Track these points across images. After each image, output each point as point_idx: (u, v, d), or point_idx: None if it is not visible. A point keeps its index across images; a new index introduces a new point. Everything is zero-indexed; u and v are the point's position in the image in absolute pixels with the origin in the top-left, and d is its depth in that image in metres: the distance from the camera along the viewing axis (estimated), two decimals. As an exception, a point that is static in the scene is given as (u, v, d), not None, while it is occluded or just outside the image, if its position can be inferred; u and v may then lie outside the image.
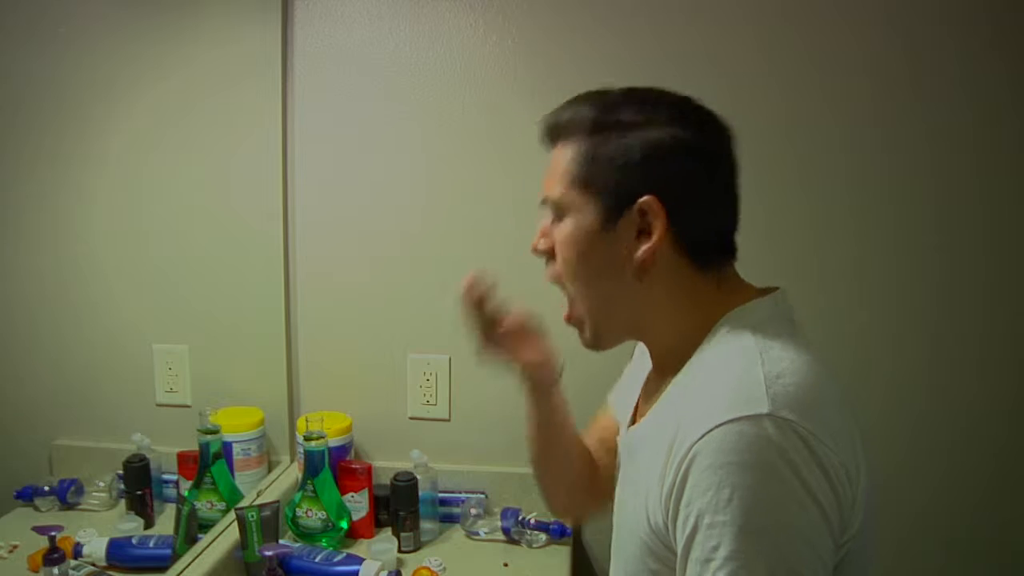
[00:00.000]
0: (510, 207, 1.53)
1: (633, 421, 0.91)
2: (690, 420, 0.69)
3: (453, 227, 1.55)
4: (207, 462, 1.32)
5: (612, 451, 0.98)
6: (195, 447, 1.31)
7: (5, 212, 1.00)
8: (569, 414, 1.04)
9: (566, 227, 0.82)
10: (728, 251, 0.83)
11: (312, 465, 1.43)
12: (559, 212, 0.82)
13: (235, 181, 1.50)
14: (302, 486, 1.44)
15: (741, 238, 1.60)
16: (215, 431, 1.32)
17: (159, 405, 1.37)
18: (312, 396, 1.63)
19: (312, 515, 1.43)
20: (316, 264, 1.59)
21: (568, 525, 1.17)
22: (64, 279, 1.12)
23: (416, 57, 1.52)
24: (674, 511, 0.69)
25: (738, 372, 0.70)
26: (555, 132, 0.84)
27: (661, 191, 0.76)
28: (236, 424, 1.45)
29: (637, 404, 0.92)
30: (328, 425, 1.47)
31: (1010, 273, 1.47)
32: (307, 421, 1.45)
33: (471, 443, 1.60)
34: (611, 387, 1.07)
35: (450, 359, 1.59)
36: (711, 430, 0.66)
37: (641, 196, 0.75)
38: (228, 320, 1.50)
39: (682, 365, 0.79)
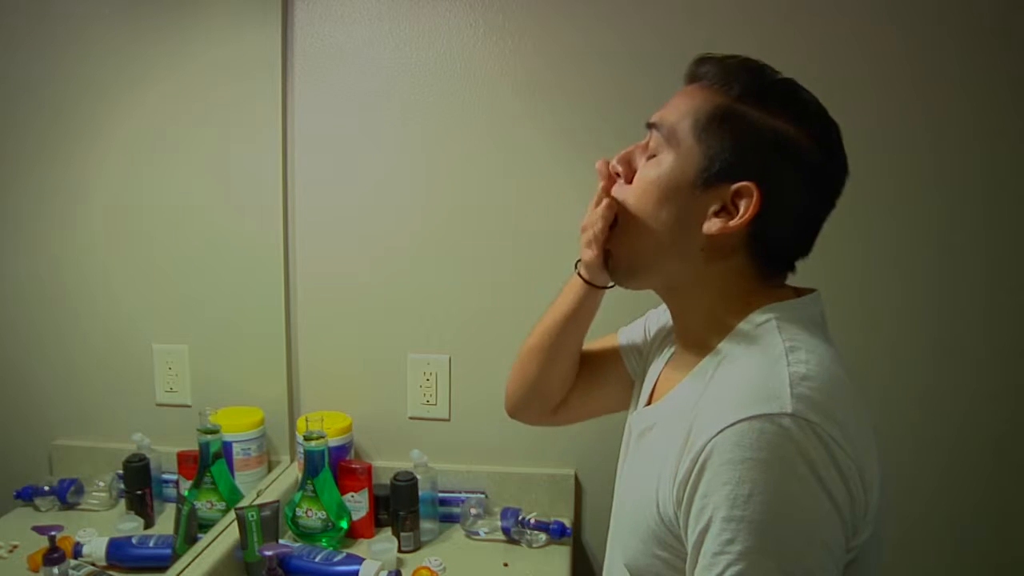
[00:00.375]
0: (510, 207, 1.53)
1: (649, 401, 0.91)
2: (711, 412, 0.69)
3: (453, 227, 1.55)
4: (207, 462, 1.32)
5: (594, 376, 1.04)
6: (195, 447, 1.31)
7: (5, 212, 1.00)
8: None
9: (662, 163, 0.78)
10: (789, 269, 0.82)
11: (312, 465, 1.43)
12: (664, 142, 0.79)
13: (235, 181, 1.50)
14: (302, 486, 1.44)
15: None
16: (215, 431, 1.32)
17: (159, 405, 1.37)
18: (312, 396, 1.63)
19: (312, 515, 1.43)
20: (316, 264, 1.59)
21: (511, 414, 1.12)
22: (64, 279, 1.12)
23: (416, 57, 1.51)
24: (688, 502, 0.69)
25: (764, 369, 0.70)
26: (703, 73, 0.80)
27: (764, 186, 0.75)
28: (236, 424, 1.45)
29: (655, 384, 0.92)
30: (328, 425, 1.47)
31: (1010, 273, 1.47)
32: (307, 421, 1.45)
33: (471, 443, 1.60)
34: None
35: (450, 359, 1.59)
36: (733, 424, 0.66)
37: (744, 179, 0.74)
38: (228, 320, 1.50)
39: (707, 350, 0.79)
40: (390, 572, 1.35)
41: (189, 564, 1.21)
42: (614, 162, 0.84)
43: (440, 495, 1.55)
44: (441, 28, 1.50)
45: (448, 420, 1.61)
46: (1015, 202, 1.45)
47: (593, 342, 1.07)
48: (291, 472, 1.58)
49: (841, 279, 1.48)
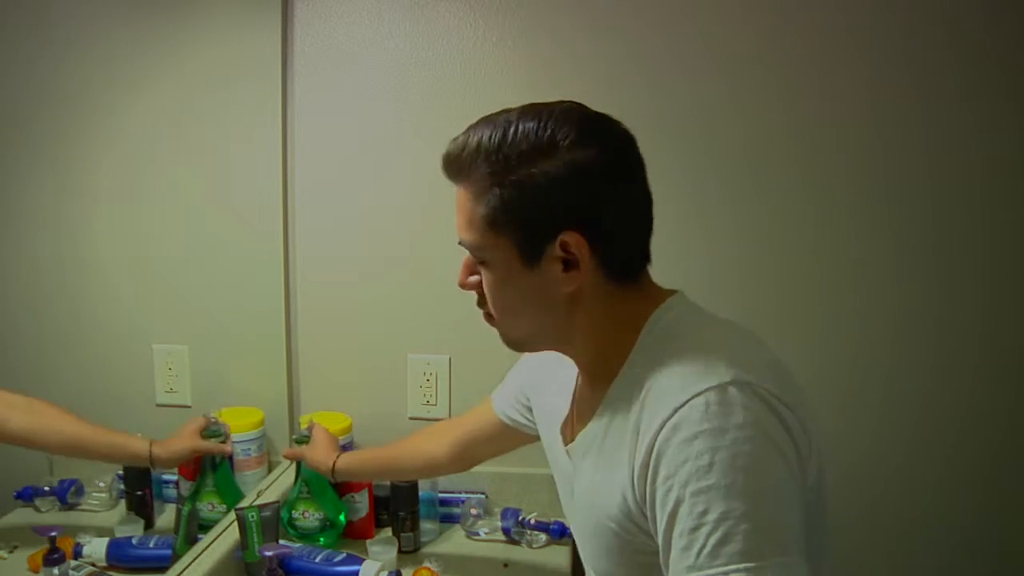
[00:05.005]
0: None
1: (572, 434, 0.90)
2: (656, 401, 0.72)
3: (453, 227, 1.54)
4: (207, 463, 1.32)
5: (475, 443, 1.22)
6: (195, 447, 1.31)
7: (5, 212, 1.00)
8: (377, 459, 1.34)
9: (489, 269, 0.81)
10: (646, 258, 0.83)
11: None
12: (477, 255, 0.81)
13: (235, 181, 1.50)
14: (297, 488, 1.43)
15: (743, 239, 1.60)
16: (216, 433, 1.32)
17: (159, 405, 1.37)
18: (312, 396, 1.63)
19: (309, 516, 1.42)
20: (316, 264, 1.59)
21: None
22: (64, 279, 1.12)
23: (416, 57, 1.51)
24: (651, 490, 0.71)
25: (691, 350, 0.74)
26: (455, 169, 0.81)
27: (577, 222, 0.75)
28: (236, 424, 1.45)
29: (571, 417, 0.92)
30: (328, 425, 1.47)
31: (1010, 273, 1.47)
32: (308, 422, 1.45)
33: (471, 443, 1.60)
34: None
35: (450, 359, 1.59)
36: (680, 407, 0.69)
37: (558, 230, 0.75)
38: (228, 320, 1.50)
39: (616, 368, 0.80)
40: (390, 572, 1.35)
41: (189, 565, 1.21)
42: (465, 280, 0.86)
43: (440, 495, 1.55)
44: (441, 28, 1.50)
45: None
46: (1015, 202, 1.45)
47: (472, 411, 1.25)
48: (291, 472, 1.57)
49: (840, 279, 1.49)
